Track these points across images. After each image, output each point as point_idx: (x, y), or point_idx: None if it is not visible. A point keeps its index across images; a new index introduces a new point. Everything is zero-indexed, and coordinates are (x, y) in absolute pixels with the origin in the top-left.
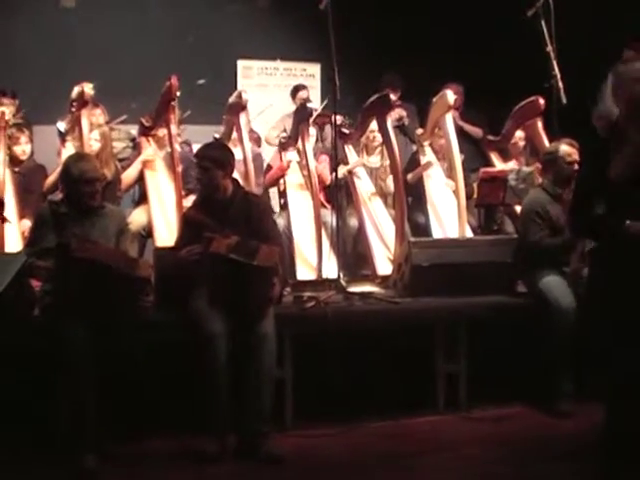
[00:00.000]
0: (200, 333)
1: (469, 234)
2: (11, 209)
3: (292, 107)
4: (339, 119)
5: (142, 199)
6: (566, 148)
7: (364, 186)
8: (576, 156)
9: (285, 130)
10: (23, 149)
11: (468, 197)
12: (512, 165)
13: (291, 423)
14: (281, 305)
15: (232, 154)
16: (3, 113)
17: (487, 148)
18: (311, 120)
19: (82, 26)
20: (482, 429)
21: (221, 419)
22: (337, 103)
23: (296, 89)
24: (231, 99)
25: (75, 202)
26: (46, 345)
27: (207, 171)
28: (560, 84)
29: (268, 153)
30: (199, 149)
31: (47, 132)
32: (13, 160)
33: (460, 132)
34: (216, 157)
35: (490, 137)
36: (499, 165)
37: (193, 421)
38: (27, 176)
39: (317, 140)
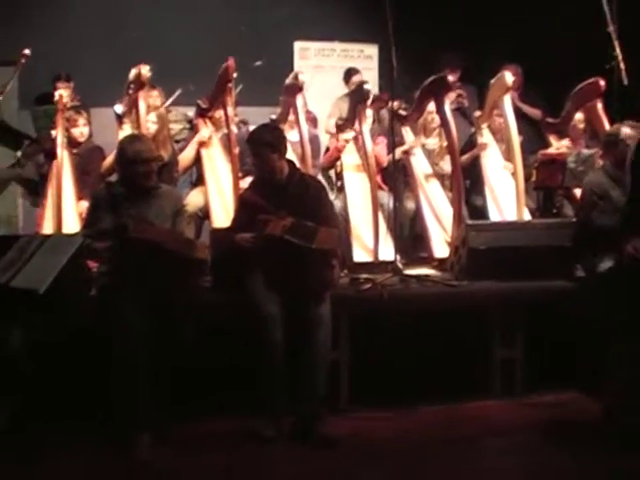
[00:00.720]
0: (256, 315)
1: (527, 217)
2: (69, 190)
3: (346, 90)
4: (396, 104)
5: (199, 181)
6: (628, 131)
7: (421, 168)
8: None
9: (341, 114)
10: (81, 131)
11: (526, 180)
12: (565, 143)
13: (346, 405)
14: (338, 287)
15: (284, 135)
16: (61, 96)
17: (546, 130)
18: (368, 103)
19: (139, 8)
20: (538, 415)
21: (277, 401)
22: (394, 84)
23: (349, 73)
24: (288, 80)
25: (131, 183)
26: (102, 325)
27: (260, 155)
28: (622, 65)
29: (326, 136)
30: (250, 133)
31: (105, 114)
32: (71, 142)
33: (519, 114)
34: (268, 140)
35: (549, 119)
36: (556, 144)
37: (250, 403)
38: (85, 158)
39: (374, 121)
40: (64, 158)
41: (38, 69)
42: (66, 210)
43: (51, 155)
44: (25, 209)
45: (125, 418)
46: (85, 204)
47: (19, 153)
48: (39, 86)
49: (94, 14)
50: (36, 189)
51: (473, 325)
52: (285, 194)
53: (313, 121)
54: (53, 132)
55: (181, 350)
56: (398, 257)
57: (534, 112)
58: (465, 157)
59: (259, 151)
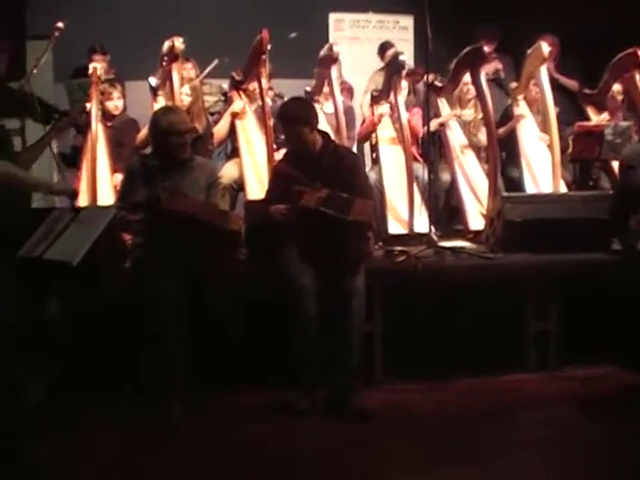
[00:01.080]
0: (290, 287)
1: (563, 189)
2: (104, 163)
3: (381, 65)
4: (431, 76)
5: (234, 153)
6: None
7: (457, 140)
8: None
9: (377, 87)
10: (115, 104)
11: (563, 151)
12: (605, 117)
13: (380, 378)
14: (372, 259)
15: (314, 108)
16: (95, 69)
17: (583, 101)
18: (403, 74)
19: None
20: (572, 389)
21: (310, 374)
22: (429, 56)
23: (384, 47)
24: (322, 52)
25: (165, 155)
26: (136, 297)
27: (291, 130)
28: None
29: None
30: (279, 109)
31: (140, 87)
32: (106, 115)
33: (555, 85)
34: (297, 114)
35: (586, 90)
36: (595, 119)
37: (284, 376)
38: (120, 130)
39: (409, 93)
40: (98, 131)
41: (74, 42)
42: (101, 183)
43: (81, 129)
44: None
45: (157, 389)
46: (120, 177)
47: (48, 128)
48: (75, 59)
49: None
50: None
51: (508, 298)
52: (319, 166)
53: (349, 91)
54: (87, 105)
55: (215, 321)
56: (433, 229)
57: (571, 83)
58: (502, 130)
59: (289, 126)
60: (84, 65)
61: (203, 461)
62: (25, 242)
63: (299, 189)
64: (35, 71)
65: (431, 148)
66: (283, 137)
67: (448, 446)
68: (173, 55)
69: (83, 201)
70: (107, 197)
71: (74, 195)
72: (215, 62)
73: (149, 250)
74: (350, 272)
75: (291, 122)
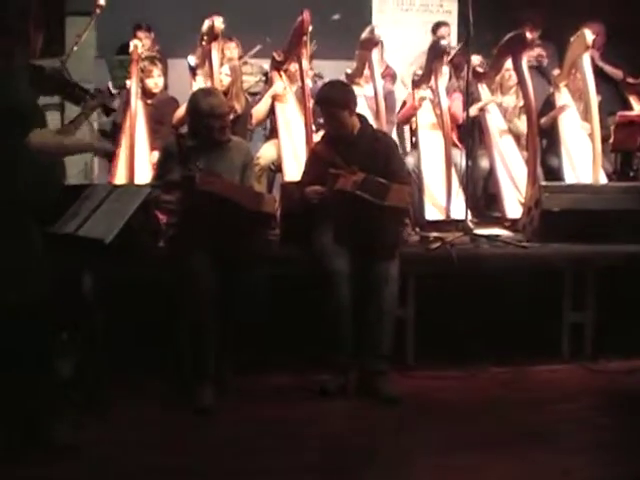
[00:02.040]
0: (324, 270)
1: (603, 180)
2: (143, 141)
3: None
4: (476, 59)
5: (272, 134)
6: None
7: (497, 126)
8: None
9: (421, 68)
10: (155, 82)
11: (604, 141)
12: None
13: (412, 364)
14: (407, 245)
15: (352, 91)
16: (136, 46)
17: (626, 91)
18: (447, 60)
19: None
20: (606, 381)
21: (342, 356)
22: (471, 40)
23: (437, 25)
24: (364, 34)
25: (203, 136)
26: (170, 276)
27: (330, 114)
28: None
29: (403, 91)
30: (318, 92)
31: (182, 65)
32: (146, 93)
33: (599, 73)
34: (336, 98)
35: (630, 79)
36: (638, 109)
37: (315, 358)
38: (159, 108)
39: (451, 78)
40: (138, 108)
41: (118, 18)
42: (139, 160)
43: (109, 110)
44: (100, 159)
45: (190, 369)
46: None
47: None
48: (119, 36)
49: None
50: (111, 157)
51: (543, 287)
52: (356, 149)
53: (392, 77)
54: (128, 82)
55: (250, 302)
56: (470, 216)
57: (615, 72)
58: (544, 119)
59: (328, 109)
60: (128, 42)
61: (233, 442)
62: (59, 218)
63: (335, 172)
64: (76, 48)
65: (470, 134)
66: (321, 120)
67: (477, 434)
68: (213, 35)
69: (120, 178)
70: (145, 175)
71: (111, 155)
72: (258, 47)
73: (183, 230)
74: (385, 257)
75: (329, 105)
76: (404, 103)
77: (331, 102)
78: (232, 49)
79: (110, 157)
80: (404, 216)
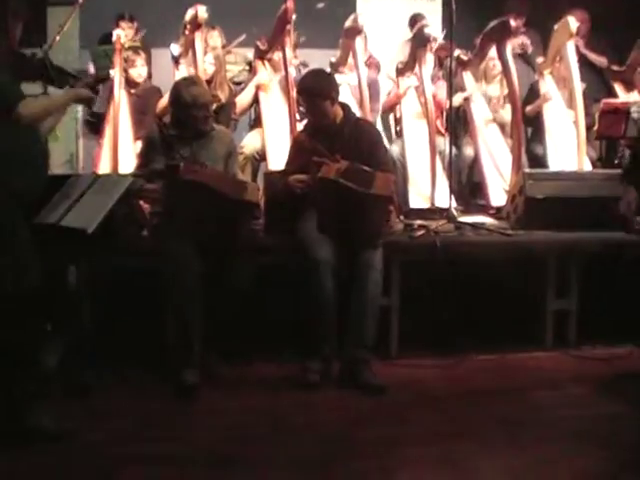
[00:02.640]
0: (307, 258)
1: (588, 167)
2: (126, 130)
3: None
4: (458, 51)
5: (257, 123)
6: None
7: (481, 115)
8: None
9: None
10: (139, 72)
11: (588, 129)
12: (636, 97)
13: (396, 352)
14: (391, 233)
15: (334, 81)
16: (119, 36)
17: (611, 78)
18: (432, 50)
19: None
20: (590, 368)
21: (325, 346)
22: (455, 28)
23: (414, 19)
24: (347, 23)
25: (186, 126)
26: (155, 265)
27: (311, 103)
28: None
29: (387, 80)
30: (300, 82)
31: (166, 55)
32: (129, 82)
33: (584, 61)
34: (317, 87)
35: (615, 67)
36: (623, 96)
37: (299, 348)
38: (142, 98)
39: (435, 66)
40: (121, 98)
41: (101, 8)
42: (123, 150)
43: (91, 100)
44: (85, 149)
45: (175, 354)
46: None
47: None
48: (102, 26)
49: None
50: (93, 102)
51: (527, 275)
52: (339, 138)
53: (376, 66)
54: (111, 72)
55: (233, 290)
56: (454, 204)
57: (599, 60)
58: (529, 108)
59: (309, 99)
60: (110, 32)
61: (218, 430)
62: (42, 208)
63: (318, 160)
64: (58, 38)
65: (455, 122)
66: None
67: (461, 423)
68: (196, 24)
69: (104, 168)
70: (129, 164)
71: (93, 101)
72: (242, 37)
73: (167, 219)
74: (369, 246)
75: (311, 95)
76: (389, 93)
77: (312, 91)
78: (215, 37)
79: (93, 103)
80: (389, 204)
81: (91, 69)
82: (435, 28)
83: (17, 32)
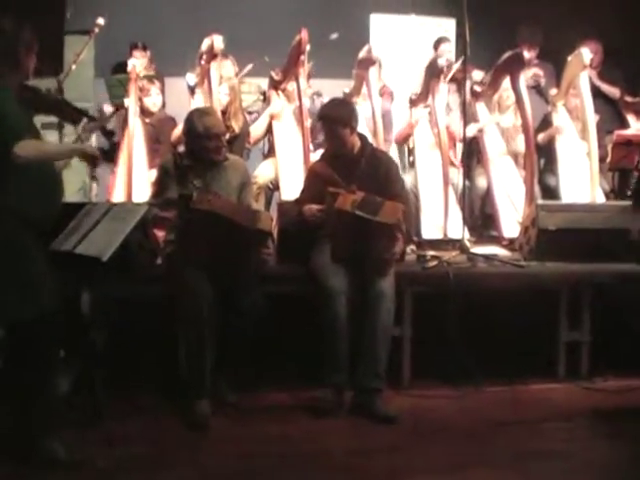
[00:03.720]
0: (321, 288)
1: (601, 199)
2: (141, 159)
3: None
4: (478, 75)
5: (270, 152)
6: None
7: (494, 145)
8: None
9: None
10: (153, 101)
11: (601, 160)
12: None
13: (407, 382)
14: (403, 263)
15: (355, 110)
16: (134, 66)
17: (624, 109)
18: (444, 78)
19: None
20: (602, 400)
21: (338, 374)
22: (468, 59)
23: (439, 41)
24: (361, 54)
25: (199, 156)
26: (168, 292)
27: (331, 131)
28: None
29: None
30: (321, 109)
31: (180, 84)
32: (144, 111)
33: (597, 92)
34: (338, 115)
35: (628, 98)
36: (635, 127)
37: (309, 375)
38: (157, 127)
39: (449, 93)
40: (136, 127)
41: (116, 38)
42: (137, 179)
43: (110, 134)
44: (98, 177)
45: (188, 385)
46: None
47: (79, 129)
48: (116, 55)
49: None
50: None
51: (540, 306)
52: (356, 168)
53: (389, 95)
54: (126, 101)
55: (246, 320)
56: (467, 235)
57: (612, 91)
58: (541, 137)
59: (329, 127)
60: (125, 61)
61: (230, 459)
62: (57, 235)
63: (334, 191)
64: (74, 67)
65: (468, 153)
66: (323, 137)
67: (472, 453)
68: (212, 54)
69: (118, 197)
70: (143, 193)
71: (96, 160)
72: (249, 66)
73: (180, 247)
74: (378, 274)
75: (331, 122)
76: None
77: (333, 119)
78: (228, 67)
79: (95, 163)
80: (396, 233)
81: (106, 109)
82: (452, 56)
83: (31, 65)
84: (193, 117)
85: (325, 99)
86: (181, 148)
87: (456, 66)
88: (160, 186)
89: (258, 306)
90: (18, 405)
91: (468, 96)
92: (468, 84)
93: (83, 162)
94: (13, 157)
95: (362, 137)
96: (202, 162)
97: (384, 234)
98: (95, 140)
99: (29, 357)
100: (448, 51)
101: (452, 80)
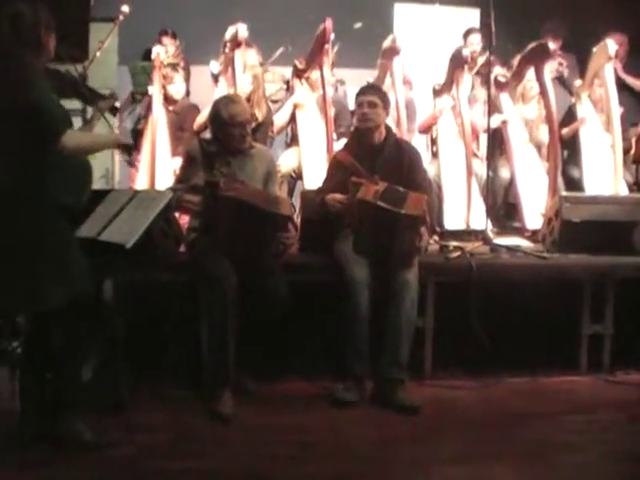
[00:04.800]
0: (343, 278)
1: (624, 191)
2: (165, 147)
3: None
4: (498, 70)
5: (294, 141)
6: None
7: (518, 136)
8: None
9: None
10: (177, 89)
11: (625, 153)
12: None
13: (429, 373)
14: (426, 254)
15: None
16: (158, 54)
17: None
18: (469, 69)
19: None
20: (624, 393)
21: (360, 364)
22: (493, 50)
23: (468, 32)
24: (385, 43)
25: (225, 143)
26: (191, 281)
27: (375, 107)
28: None
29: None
30: (367, 87)
31: (205, 72)
32: (168, 99)
33: (621, 84)
34: (382, 96)
35: None
36: None
37: (330, 364)
38: (181, 115)
39: (473, 87)
40: (160, 115)
41: (141, 25)
42: (160, 166)
43: (115, 110)
44: (121, 164)
45: (211, 374)
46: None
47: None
48: (140, 43)
49: None
50: (131, 151)
51: (562, 298)
52: (379, 158)
53: (408, 84)
54: (150, 89)
55: (269, 309)
56: (490, 226)
57: (637, 83)
58: (565, 130)
59: (371, 97)
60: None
61: (250, 448)
62: (81, 222)
63: (357, 180)
64: (98, 54)
65: (491, 144)
66: (356, 118)
67: (493, 445)
68: (236, 42)
69: (141, 184)
70: (166, 181)
71: (131, 150)
72: (280, 50)
73: (204, 234)
74: (402, 265)
75: (374, 93)
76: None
77: (378, 96)
78: (252, 56)
79: (130, 152)
80: (421, 224)
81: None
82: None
83: (51, 46)
84: (219, 104)
85: (348, 88)
86: (205, 135)
87: (481, 60)
88: (185, 172)
89: (282, 289)
90: (43, 386)
91: (492, 88)
92: (492, 75)
93: (118, 150)
94: (59, 147)
95: (387, 127)
96: (228, 149)
97: (408, 226)
98: (130, 122)
99: (59, 339)
100: (477, 43)
101: (477, 73)
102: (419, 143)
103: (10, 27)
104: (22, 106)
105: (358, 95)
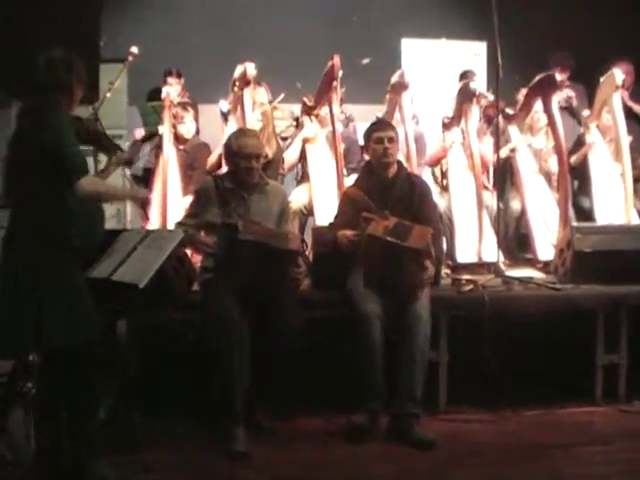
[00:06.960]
0: (356, 313)
1: (635, 220)
2: (175, 186)
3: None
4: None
5: (304, 177)
6: None
7: (528, 167)
8: None
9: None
10: (188, 128)
11: (635, 181)
12: None
13: (444, 407)
14: (438, 287)
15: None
16: (168, 93)
17: None
18: (479, 105)
19: (248, 6)
20: None
21: (374, 399)
22: (502, 83)
23: (465, 75)
24: (393, 78)
25: (237, 177)
26: (203, 320)
27: (394, 142)
28: None
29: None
30: (381, 122)
31: (213, 111)
32: (178, 138)
33: (629, 113)
34: (396, 132)
35: None
36: None
37: (344, 400)
38: (191, 154)
39: (481, 120)
40: (170, 154)
41: (149, 65)
42: (172, 206)
43: (129, 163)
44: (134, 205)
45: (224, 412)
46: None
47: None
48: (150, 83)
49: (202, 12)
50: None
51: (576, 329)
52: (390, 193)
53: (415, 118)
54: (160, 128)
55: (282, 345)
56: (501, 258)
57: None
58: (573, 158)
59: (387, 132)
60: (159, 87)
61: None
62: (93, 263)
63: (368, 216)
64: (109, 95)
65: (501, 175)
66: (369, 152)
67: (511, 478)
68: (245, 80)
69: (153, 223)
70: (177, 219)
71: (146, 203)
72: (282, 96)
73: (219, 274)
74: (410, 298)
75: (391, 129)
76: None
77: (393, 127)
78: (262, 94)
79: (144, 206)
80: (425, 257)
81: (137, 134)
82: (480, 84)
83: (79, 96)
84: (231, 136)
85: (357, 124)
86: (220, 171)
87: (484, 99)
88: (196, 208)
89: (295, 323)
90: (63, 432)
91: (500, 120)
92: (500, 106)
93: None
94: (78, 189)
95: (398, 162)
96: (242, 185)
97: (412, 259)
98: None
99: (71, 384)
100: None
101: (484, 115)
102: (427, 176)
103: (48, 71)
104: (49, 145)
105: (375, 131)
